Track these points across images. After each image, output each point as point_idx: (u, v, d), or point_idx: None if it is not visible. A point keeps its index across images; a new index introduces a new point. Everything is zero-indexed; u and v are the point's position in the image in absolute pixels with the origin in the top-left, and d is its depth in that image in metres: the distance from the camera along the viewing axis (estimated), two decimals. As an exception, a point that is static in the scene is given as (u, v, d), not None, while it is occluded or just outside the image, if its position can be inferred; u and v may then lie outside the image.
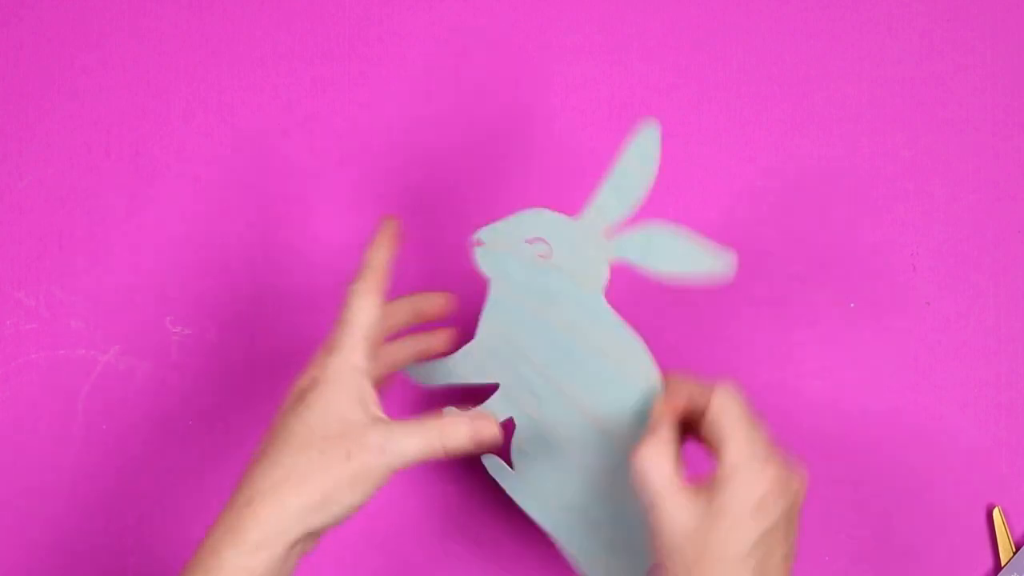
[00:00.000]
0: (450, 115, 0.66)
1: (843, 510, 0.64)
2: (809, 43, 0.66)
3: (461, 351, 0.60)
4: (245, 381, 0.65)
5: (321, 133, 0.67)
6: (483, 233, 0.58)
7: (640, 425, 0.56)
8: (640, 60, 0.66)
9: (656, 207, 0.66)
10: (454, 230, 0.66)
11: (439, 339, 0.61)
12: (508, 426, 0.61)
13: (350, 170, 0.66)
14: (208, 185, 0.66)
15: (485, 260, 0.58)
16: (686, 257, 0.56)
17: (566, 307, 0.58)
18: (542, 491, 0.60)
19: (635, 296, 0.65)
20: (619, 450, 0.57)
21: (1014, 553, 0.63)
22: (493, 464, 0.60)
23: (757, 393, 0.65)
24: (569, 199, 0.66)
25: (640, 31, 0.67)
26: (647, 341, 0.65)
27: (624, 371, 0.57)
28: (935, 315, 0.65)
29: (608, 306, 0.57)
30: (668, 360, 0.65)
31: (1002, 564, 0.63)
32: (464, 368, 0.60)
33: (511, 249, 0.58)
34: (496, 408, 0.60)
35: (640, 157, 0.56)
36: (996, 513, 0.63)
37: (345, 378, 0.53)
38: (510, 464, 0.60)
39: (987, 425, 0.64)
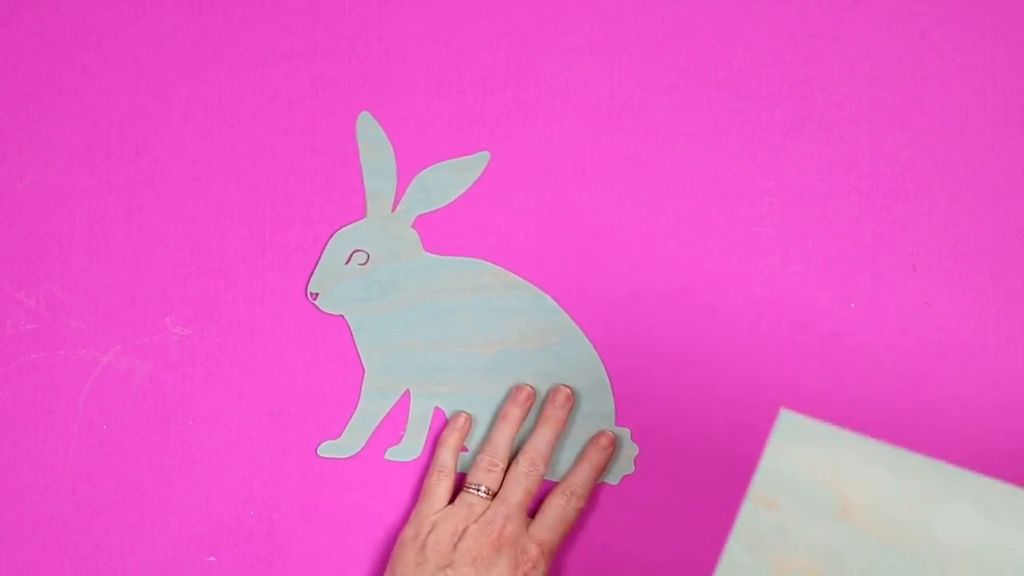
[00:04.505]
0: (450, 115, 0.66)
1: (843, 510, 0.64)
2: (809, 43, 0.66)
3: (363, 396, 0.64)
4: (245, 381, 0.65)
5: (321, 133, 0.67)
6: (312, 286, 0.64)
7: (535, 317, 0.64)
8: (640, 60, 0.66)
9: (656, 207, 0.66)
10: (453, 229, 0.66)
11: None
12: (438, 420, 0.65)
13: (350, 170, 0.66)
14: (208, 185, 0.66)
15: (328, 303, 0.65)
16: (447, 178, 0.65)
17: (409, 282, 0.65)
18: None
19: (634, 298, 0.66)
20: (531, 357, 0.64)
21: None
22: (463, 462, 0.64)
23: (757, 393, 0.65)
24: (569, 198, 0.66)
25: (640, 31, 0.67)
26: (646, 342, 0.65)
27: (487, 291, 0.64)
28: (935, 315, 0.65)
29: (433, 255, 0.65)
30: (667, 360, 0.65)
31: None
32: (375, 405, 0.65)
33: (339, 279, 0.64)
34: (421, 409, 0.65)
35: (372, 144, 0.65)
36: (996, 513, 0.63)
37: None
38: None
39: (987, 425, 0.64)
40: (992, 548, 0.46)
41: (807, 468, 0.48)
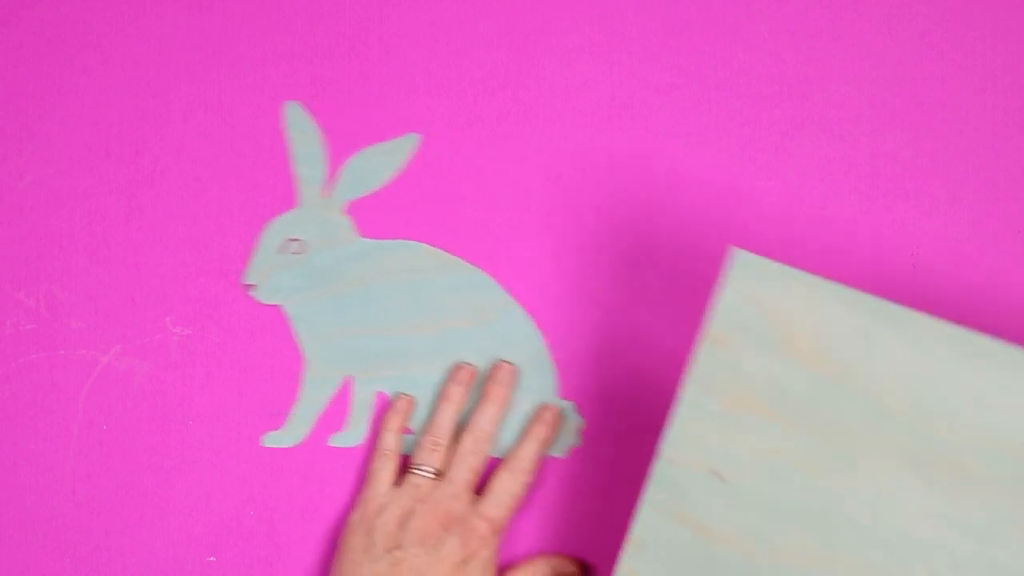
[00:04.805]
0: (450, 115, 0.66)
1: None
2: (809, 43, 0.66)
3: (304, 385, 0.64)
4: (245, 381, 0.65)
5: (320, 133, 0.67)
6: (247, 277, 0.64)
7: (473, 297, 0.64)
8: (640, 60, 0.66)
9: (656, 207, 0.66)
10: (453, 230, 0.66)
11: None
12: (382, 405, 0.65)
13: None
14: (208, 185, 0.66)
15: (264, 294, 0.64)
16: (377, 163, 0.65)
17: (345, 269, 0.64)
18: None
19: (633, 300, 0.66)
20: (471, 335, 0.64)
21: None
22: (406, 443, 0.64)
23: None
24: (570, 198, 0.66)
25: (640, 31, 0.67)
26: (646, 343, 0.65)
27: (423, 273, 0.64)
28: (935, 315, 0.65)
29: (367, 239, 0.65)
30: (669, 363, 0.65)
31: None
32: (317, 393, 0.65)
33: (275, 269, 0.64)
34: (363, 394, 0.64)
35: (302, 137, 0.66)
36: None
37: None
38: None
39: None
40: (922, 381, 0.49)
41: (757, 305, 0.51)
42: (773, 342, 0.51)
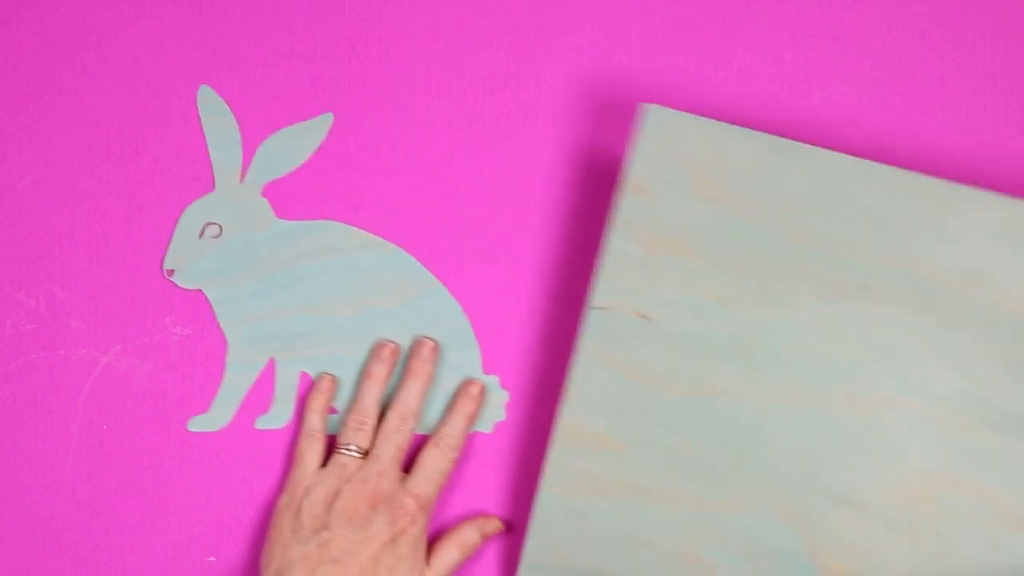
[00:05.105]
0: (450, 115, 0.66)
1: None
2: (809, 43, 0.66)
3: (228, 368, 0.65)
4: (245, 381, 0.65)
5: (321, 133, 0.67)
6: (167, 263, 0.65)
7: (398, 274, 0.64)
8: (640, 59, 0.66)
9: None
10: (453, 231, 0.66)
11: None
12: (306, 385, 0.65)
13: (349, 170, 0.66)
14: (208, 185, 0.66)
15: (185, 279, 0.65)
16: (292, 144, 0.65)
17: (264, 251, 0.64)
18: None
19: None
20: (394, 313, 0.64)
21: None
22: (332, 423, 0.64)
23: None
24: (570, 197, 0.66)
25: (640, 31, 0.67)
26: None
27: (344, 252, 0.64)
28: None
29: (286, 221, 0.65)
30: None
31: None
32: (241, 377, 0.65)
33: (194, 254, 0.64)
34: (287, 376, 0.64)
35: (217, 122, 0.66)
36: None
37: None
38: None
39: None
40: (823, 210, 0.53)
41: (669, 153, 0.55)
42: (686, 186, 0.54)
